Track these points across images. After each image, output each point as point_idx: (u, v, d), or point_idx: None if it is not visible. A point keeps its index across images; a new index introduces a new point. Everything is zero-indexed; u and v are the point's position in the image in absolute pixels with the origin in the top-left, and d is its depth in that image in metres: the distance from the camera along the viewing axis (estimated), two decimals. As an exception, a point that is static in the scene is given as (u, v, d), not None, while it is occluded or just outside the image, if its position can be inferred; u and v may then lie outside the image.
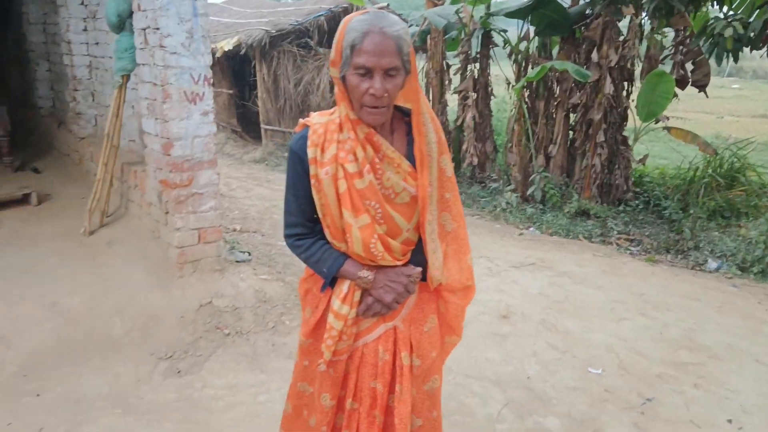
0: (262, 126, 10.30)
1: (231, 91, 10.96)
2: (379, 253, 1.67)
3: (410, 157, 1.69)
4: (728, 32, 5.14)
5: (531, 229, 6.73)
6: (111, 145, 4.19)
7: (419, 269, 1.74)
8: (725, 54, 5.50)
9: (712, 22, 5.55)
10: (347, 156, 1.62)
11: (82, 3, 5.17)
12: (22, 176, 5.59)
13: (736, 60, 6.41)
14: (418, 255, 1.76)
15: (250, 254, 4.48)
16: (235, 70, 11.12)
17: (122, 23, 3.91)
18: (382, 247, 1.67)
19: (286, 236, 1.80)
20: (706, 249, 5.82)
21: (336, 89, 1.66)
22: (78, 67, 5.31)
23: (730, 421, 3.03)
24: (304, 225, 1.76)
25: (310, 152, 1.64)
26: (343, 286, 1.74)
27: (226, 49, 9.92)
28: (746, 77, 21.92)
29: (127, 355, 3.43)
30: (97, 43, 5.12)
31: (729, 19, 5.24)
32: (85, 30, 5.22)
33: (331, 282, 1.76)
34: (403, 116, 1.75)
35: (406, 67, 1.58)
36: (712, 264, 5.46)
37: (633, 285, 4.61)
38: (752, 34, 5.33)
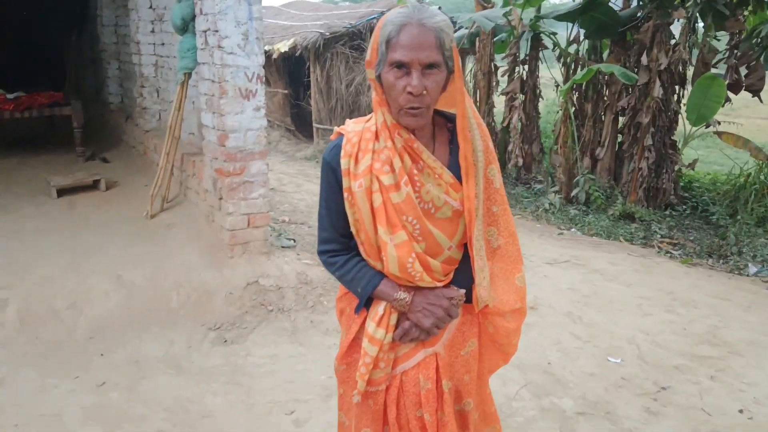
0: (315, 125, 10.76)
1: (286, 91, 11.49)
2: (417, 273, 1.55)
3: (453, 168, 1.57)
4: (774, 36, 5.19)
5: (573, 230, 6.88)
6: (173, 137, 4.65)
7: (462, 291, 1.62)
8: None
9: (759, 25, 5.58)
10: (383, 167, 1.51)
11: (151, 7, 5.70)
12: (93, 165, 6.19)
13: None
14: (461, 275, 1.65)
15: (295, 241, 4.86)
16: (291, 71, 11.64)
17: (186, 26, 4.36)
18: (420, 266, 1.55)
19: (320, 252, 1.71)
20: (748, 254, 5.85)
21: (373, 93, 1.55)
22: (145, 66, 5.85)
23: (741, 411, 3.18)
24: (338, 241, 1.66)
25: (344, 163, 1.54)
26: (379, 308, 1.63)
27: (283, 51, 10.42)
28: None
29: (181, 325, 3.85)
30: (163, 44, 5.63)
31: (774, 23, 5.29)
32: (152, 32, 5.75)
33: (367, 303, 1.66)
34: (446, 122, 1.62)
35: (449, 65, 1.45)
36: (752, 269, 5.50)
37: (663, 283, 4.74)
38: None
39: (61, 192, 5.27)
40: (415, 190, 1.53)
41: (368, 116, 1.61)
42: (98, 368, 3.44)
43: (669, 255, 5.92)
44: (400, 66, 1.40)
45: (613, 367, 3.55)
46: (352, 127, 1.60)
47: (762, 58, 5.78)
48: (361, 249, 1.63)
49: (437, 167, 1.54)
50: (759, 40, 5.45)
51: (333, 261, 1.67)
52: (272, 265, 4.32)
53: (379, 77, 1.46)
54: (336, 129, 1.63)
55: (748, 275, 5.36)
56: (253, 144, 4.13)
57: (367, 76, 1.58)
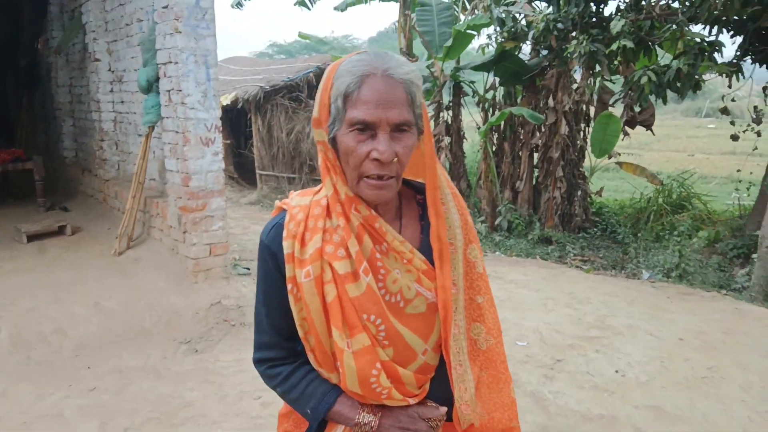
0: (258, 171, 11.61)
1: (228, 141, 12.32)
2: (384, 389, 1.26)
3: (425, 251, 1.31)
4: (644, 80, 6.45)
5: (497, 253, 7.91)
6: (138, 182, 5.42)
7: (444, 409, 1.33)
8: (646, 98, 6.79)
9: (635, 71, 6.86)
10: (336, 251, 1.25)
11: (110, 69, 6.51)
12: (54, 214, 6.83)
13: (665, 102, 7.73)
14: (438, 386, 1.35)
15: (249, 269, 5.65)
16: (232, 122, 12.52)
17: (150, 86, 5.19)
18: (387, 380, 1.26)
19: (257, 361, 1.40)
20: (644, 264, 7.00)
21: (320, 158, 1.29)
22: (105, 121, 6.62)
23: (617, 371, 4.15)
24: (281, 346, 1.36)
25: (287, 246, 1.27)
26: None
27: (224, 104, 11.30)
28: (723, 118, 23.50)
29: (156, 341, 4.56)
30: (122, 102, 6.42)
31: (645, 69, 6.55)
32: (111, 91, 6.54)
33: (319, 427, 1.35)
34: (415, 194, 1.38)
35: (419, 125, 1.23)
36: (645, 274, 6.63)
37: (566, 287, 5.77)
38: (669, 80, 6.62)
39: (31, 237, 5.90)
40: (378, 279, 1.26)
41: (317, 187, 1.36)
42: (87, 379, 4.10)
43: (578, 268, 7.00)
44: (364, 128, 1.17)
45: (520, 349, 4.48)
46: (296, 200, 1.33)
47: (640, 99, 7.03)
48: (310, 356, 1.32)
49: (405, 250, 1.28)
50: (634, 84, 6.70)
51: (274, 373, 1.37)
52: (232, 288, 5.09)
53: (333, 140, 1.23)
54: (277, 203, 1.37)
55: (640, 280, 6.47)
56: (213, 183, 4.96)
57: (314, 138, 1.29)
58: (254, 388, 3.97)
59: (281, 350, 1.36)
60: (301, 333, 1.30)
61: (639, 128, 8.75)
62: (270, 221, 1.35)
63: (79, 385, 4.03)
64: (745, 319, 5.06)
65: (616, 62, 7.15)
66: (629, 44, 6.13)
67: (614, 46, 6.21)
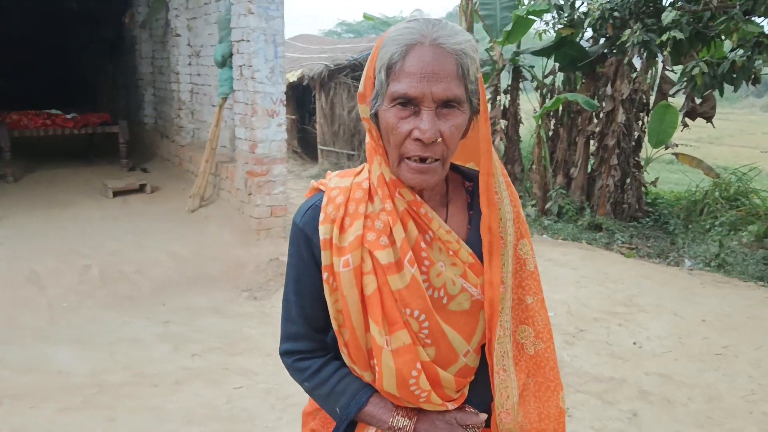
0: (319, 147, 12.31)
1: (293, 117, 13.08)
2: (424, 392, 1.20)
3: (473, 243, 1.23)
4: (696, 71, 6.68)
5: (544, 236, 8.30)
6: (211, 148, 6.14)
7: (484, 416, 1.27)
8: (700, 89, 7.02)
9: (691, 61, 7.08)
10: (379, 238, 1.16)
11: (189, 44, 7.26)
12: (135, 174, 7.71)
13: (721, 94, 7.89)
14: (478, 391, 1.29)
15: (305, 232, 6.31)
16: (298, 99, 13.26)
17: (224, 61, 5.87)
18: (427, 382, 1.19)
19: (284, 353, 1.33)
20: (688, 253, 7.26)
21: (366, 137, 1.23)
22: (183, 92, 7.41)
23: (634, 343, 4.57)
24: (311, 338, 1.29)
25: (323, 231, 1.19)
26: None
27: (291, 81, 12.02)
28: (806, 114, 22.75)
29: (221, 287, 5.28)
30: (198, 74, 7.17)
31: (697, 61, 6.78)
32: (189, 65, 7.31)
33: (348, 428, 1.28)
34: (463, 180, 1.31)
35: (472, 102, 1.14)
36: (687, 263, 6.90)
37: (602, 267, 6.16)
38: (723, 72, 6.82)
39: (116, 193, 6.76)
40: (422, 271, 1.19)
41: (358, 168, 1.29)
42: (162, 313, 4.86)
43: (621, 254, 7.32)
44: (406, 102, 1.09)
45: (547, 318, 4.95)
46: (335, 182, 1.25)
47: (693, 90, 7.25)
48: (343, 351, 1.25)
49: (452, 240, 1.21)
50: (690, 76, 6.93)
51: (302, 366, 1.30)
52: (289, 247, 5.75)
53: (375, 115, 1.15)
54: (313, 183, 1.30)
55: (680, 267, 6.76)
56: (276, 152, 5.61)
57: (360, 113, 1.21)
58: (303, 331, 4.61)
59: (311, 342, 1.30)
60: (335, 326, 1.22)
61: (702, 120, 8.89)
62: (305, 203, 1.27)
63: (155, 317, 4.78)
64: (773, 307, 5.34)
65: (666, 52, 7.37)
66: (679, 35, 6.37)
67: (664, 37, 6.46)
